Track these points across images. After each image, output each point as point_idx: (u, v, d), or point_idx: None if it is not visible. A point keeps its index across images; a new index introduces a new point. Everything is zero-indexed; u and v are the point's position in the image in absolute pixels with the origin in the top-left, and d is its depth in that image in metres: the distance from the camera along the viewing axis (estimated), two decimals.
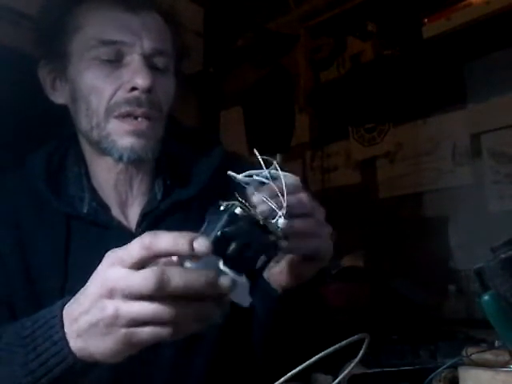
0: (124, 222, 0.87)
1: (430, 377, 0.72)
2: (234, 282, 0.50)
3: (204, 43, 2.44)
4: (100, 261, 0.55)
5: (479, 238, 1.75)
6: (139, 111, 0.82)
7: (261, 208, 0.56)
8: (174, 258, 0.53)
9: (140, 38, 0.83)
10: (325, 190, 2.34)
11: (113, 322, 0.52)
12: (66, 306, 0.58)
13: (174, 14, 0.92)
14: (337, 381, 0.61)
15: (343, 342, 0.57)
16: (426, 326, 1.74)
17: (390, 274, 2.06)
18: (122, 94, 0.82)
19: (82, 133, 0.88)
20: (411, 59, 2.12)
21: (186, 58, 0.95)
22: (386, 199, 2.18)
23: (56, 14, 0.85)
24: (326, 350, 0.57)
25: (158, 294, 0.50)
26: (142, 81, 0.80)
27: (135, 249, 0.52)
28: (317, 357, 0.56)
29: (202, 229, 0.54)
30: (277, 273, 0.71)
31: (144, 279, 0.50)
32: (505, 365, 0.65)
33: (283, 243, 0.57)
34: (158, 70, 0.85)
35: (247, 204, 0.53)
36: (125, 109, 0.82)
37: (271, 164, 0.56)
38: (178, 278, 0.50)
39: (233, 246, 0.51)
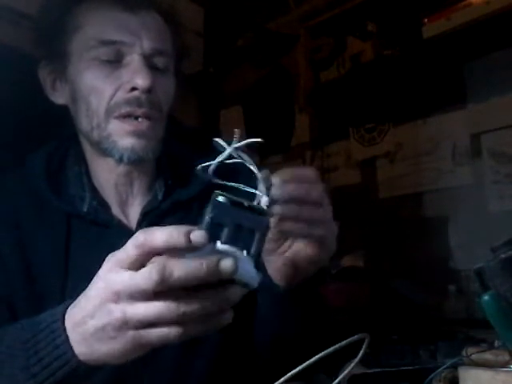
0: (124, 221, 0.87)
1: (430, 377, 0.72)
2: (235, 261, 0.50)
3: (204, 43, 2.44)
4: (100, 260, 0.54)
5: (479, 238, 1.76)
6: (139, 111, 0.82)
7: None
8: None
9: (140, 37, 0.82)
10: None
11: (121, 326, 0.52)
12: (68, 310, 0.57)
13: (174, 13, 0.92)
14: (337, 381, 0.61)
15: (343, 342, 0.57)
16: (426, 326, 1.74)
17: (390, 274, 2.07)
18: (121, 95, 0.82)
19: (82, 133, 0.88)
20: (411, 59, 2.12)
21: (186, 58, 0.95)
22: (386, 199, 2.18)
23: (56, 14, 0.85)
24: (325, 350, 0.57)
25: (162, 288, 0.49)
26: (141, 81, 0.80)
27: (130, 248, 0.51)
28: (317, 357, 0.56)
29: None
30: (279, 268, 0.71)
31: (146, 276, 0.50)
32: (505, 365, 0.65)
33: (273, 216, 0.59)
34: (157, 70, 0.85)
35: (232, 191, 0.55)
36: (125, 109, 0.82)
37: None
38: (179, 268, 0.49)
39: (225, 230, 0.51)
